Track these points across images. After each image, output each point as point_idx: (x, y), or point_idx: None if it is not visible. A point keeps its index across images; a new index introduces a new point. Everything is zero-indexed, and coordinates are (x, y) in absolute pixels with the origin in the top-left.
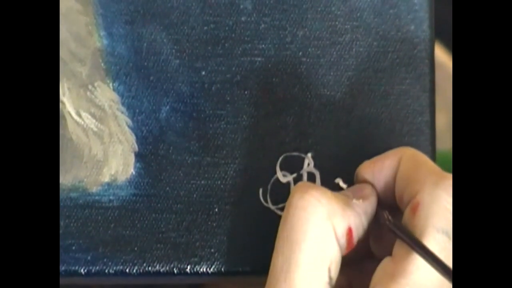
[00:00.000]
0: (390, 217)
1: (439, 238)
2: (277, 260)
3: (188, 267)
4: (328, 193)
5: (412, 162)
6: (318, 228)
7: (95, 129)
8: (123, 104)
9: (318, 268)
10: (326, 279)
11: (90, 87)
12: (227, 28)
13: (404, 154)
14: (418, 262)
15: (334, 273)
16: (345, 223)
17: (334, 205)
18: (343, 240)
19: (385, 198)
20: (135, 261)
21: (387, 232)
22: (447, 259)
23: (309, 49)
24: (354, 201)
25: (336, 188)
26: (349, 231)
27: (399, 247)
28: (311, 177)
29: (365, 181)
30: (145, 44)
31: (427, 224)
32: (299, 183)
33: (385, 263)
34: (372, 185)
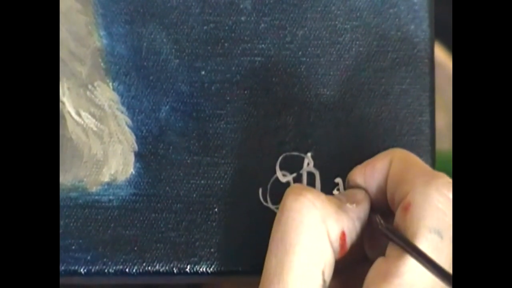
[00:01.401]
0: (382, 221)
1: (431, 238)
2: (271, 262)
3: (188, 266)
4: (322, 196)
5: (402, 163)
6: (312, 231)
7: (94, 128)
8: (122, 103)
9: (312, 271)
10: (320, 282)
11: (89, 86)
12: (226, 28)
13: (394, 156)
14: (411, 263)
15: (328, 276)
16: (338, 227)
17: (328, 209)
18: (336, 244)
19: (377, 201)
20: (135, 261)
21: (380, 236)
22: (439, 258)
23: (309, 49)
24: (348, 205)
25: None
26: (343, 235)
27: (392, 248)
28: (311, 177)
29: (358, 186)
30: (144, 44)
31: (419, 224)
32: (293, 185)
33: (378, 263)
34: (365, 190)
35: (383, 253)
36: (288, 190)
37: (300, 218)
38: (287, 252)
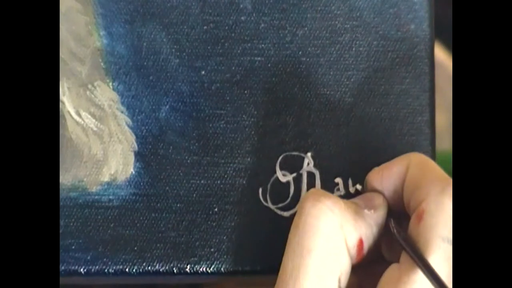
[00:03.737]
0: (395, 229)
1: (444, 247)
2: (287, 265)
3: (188, 266)
4: (341, 202)
5: (419, 168)
6: (330, 238)
7: (94, 128)
8: (122, 103)
9: (328, 278)
10: None
11: (90, 86)
12: (226, 28)
13: (412, 161)
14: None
15: (344, 283)
16: (356, 234)
17: (347, 216)
18: (353, 250)
19: (394, 204)
20: (135, 261)
21: (395, 241)
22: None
23: (309, 49)
24: (366, 211)
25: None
26: (360, 242)
27: (405, 256)
28: (311, 177)
29: (375, 190)
30: (144, 44)
31: (432, 233)
32: (312, 190)
33: (392, 269)
34: (382, 194)
35: (399, 255)
36: (307, 195)
37: (318, 224)
38: (303, 257)
